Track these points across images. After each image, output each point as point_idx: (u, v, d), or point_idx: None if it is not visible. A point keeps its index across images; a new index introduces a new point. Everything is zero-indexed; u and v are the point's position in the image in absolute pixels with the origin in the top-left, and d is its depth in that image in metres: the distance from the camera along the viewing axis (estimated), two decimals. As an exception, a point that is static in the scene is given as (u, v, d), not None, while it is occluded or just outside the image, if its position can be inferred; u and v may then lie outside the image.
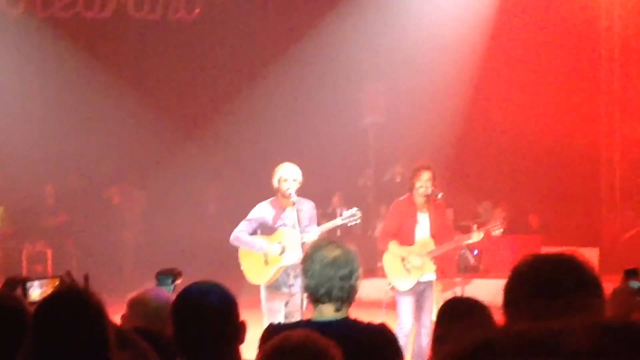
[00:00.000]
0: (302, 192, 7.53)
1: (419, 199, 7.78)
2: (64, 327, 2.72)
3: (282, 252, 7.43)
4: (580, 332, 0.88)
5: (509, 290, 2.29)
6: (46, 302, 2.87)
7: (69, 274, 3.51)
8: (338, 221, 7.67)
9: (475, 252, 12.03)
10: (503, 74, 14.46)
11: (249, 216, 7.59)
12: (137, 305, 3.96)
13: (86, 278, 3.44)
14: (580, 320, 0.90)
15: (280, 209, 7.50)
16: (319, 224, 7.75)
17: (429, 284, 7.84)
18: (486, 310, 3.49)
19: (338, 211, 13.40)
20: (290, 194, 7.34)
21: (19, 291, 3.61)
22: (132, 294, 4.05)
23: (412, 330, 7.74)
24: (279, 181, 7.44)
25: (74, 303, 2.79)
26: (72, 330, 2.71)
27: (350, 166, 14.46)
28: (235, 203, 12.30)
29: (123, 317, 3.95)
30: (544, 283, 2.20)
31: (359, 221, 7.71)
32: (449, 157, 13.98)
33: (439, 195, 7.80)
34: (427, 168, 7.76)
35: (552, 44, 14.17)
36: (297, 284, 7.24)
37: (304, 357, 2.35)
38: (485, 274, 12.03)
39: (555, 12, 14.05)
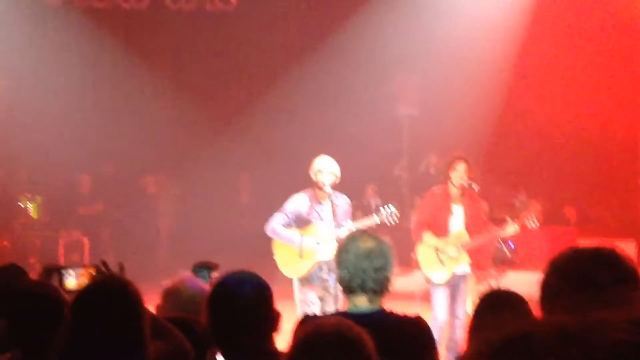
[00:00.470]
0: (336, 183, 7.50)
1: (454, 190, 7.74)
2: (102, 317, 2.73)
3: (317, 246, 7.42)
4: (622, 325, 0.86)
5: (546, 283, 2.27)
6: (86, 291, 2.89)
7: (104, 263, 3.54)
8: (375, 219, 7.60)
9: (511, 244, 11.94)
10: (541, 65, 14.33)
11: (285, 208, 7.56)
12: (171, 296, 3.98)
13: (121, 267, 3.47)
14: (622, 314, 0.89)
15: (316, 201, 7.47)
16: (353, 215, 7.73)
17: (463, 276, 7.80)
18: (525, 303, 3.46)
19: (372, 203, 13.38)
20: (324, 185, 7.32)
21: (55, 280, 3.64)
22: (167, 284, 4.07)
23: (446, 322, 7.71)
24: (315, 173, 7.42)
25: (114, 293, 2.81)
26: (110, 320, 2.73)
27: (384, 157, 14.42)
28: (268, 193, 12.34)
29: (157, 307, 3.97)
30: (582, 276, 2.17)
31: (396, 221, 7.64)
32: (484, 148, 13.88)
33: (475, 188, 7.75)
34: (463, 159, 7.70)
35: (591, 34, 14.01)
36: (331, 279, 7.23)
37: (337, 345, 2.35)
38: (521, 266, 11.94)
39: (597, 3, 13.89)
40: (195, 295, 3.93)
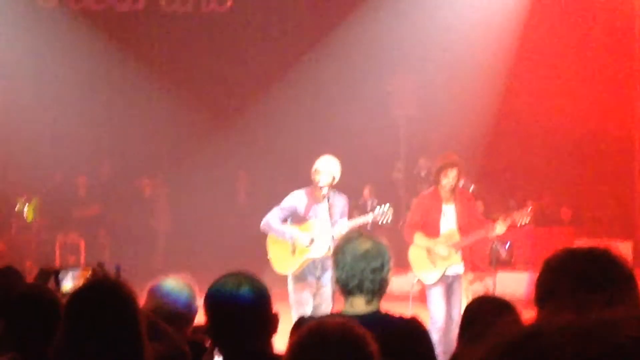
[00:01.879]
0: (334, 183, 7.50)
1: (445, 193, 7.76)
2: (96, 318, 2.72)
3: (311, 243, 7.43)
4: (633, 321, 0.86)
5: (540, 284, 2.27)
6: (78, 293, 2.87)
7: (100, 264, 3.53)
8: (369, 218, 7.63)
9: (507, 244, 11.94)
10: (536, 65, 14.33)
11: (282, 204, 7.59)
12: (151, 291, 3.99)
13: (118, 269, 3.46)
14: (625, 312, 0.89)
15: (314, 200, 7.49)
16: (349, 217, 7.74)
17: (456, 276, 7.79)
18: (514, 309, 3.45)
19: (369, 203, 13.38)
20: (322, 187, 7.33)
21: (51, 282, 3.63)
22: (150, 285, 4.08)
23: (444, 324, 7.69)
24: (314, 172, 7.43)
25: (106, 294, 2.79)
26: (104, 321, 2.71)
27: (381, 159, 14.43)
28: (265, 194, 12.33)
29: (143, 305, 3.98)
30: (576, 277, 2.18)
31: (389, 220, 7.67)
32: (480, 148, 13.90)
33: (471, 188, 7.76)
34: (455, 165, 7.70)
35: (585, 34, 14.02)
36: (324, 277, 7.24)
37: (341, 346, 2.31)
38: (517, 266, 11.95)
39: (591, 4, 13.89)
40: (174, 289, 3.93)
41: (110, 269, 3.55)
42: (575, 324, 0.87)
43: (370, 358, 2.34)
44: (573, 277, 2.18)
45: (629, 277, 2.21)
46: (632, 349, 0.84)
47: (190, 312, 4.02)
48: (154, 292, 4.00)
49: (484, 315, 3.40)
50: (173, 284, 4.05)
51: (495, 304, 3.50)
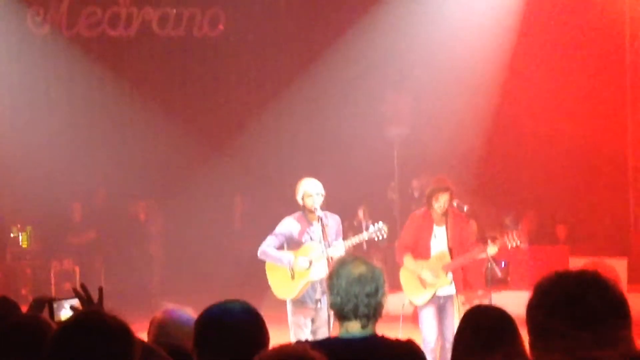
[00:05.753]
0: (327, 205, 7.53)
1: (436, 215, 7.79)
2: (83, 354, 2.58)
3: (309, 266, 7.42)
4: None
5: (532, 309, 2.27)
6: (65, 329, 2.72)
7: (83, 287, 3.46)
8: (364, 236, 7.64)
9: (503, 264, 11.93)
10: (528, 84, 14.37)
11: (276, 230, 7.60)
12: (158, 327, 3.96)
13: (100, 291, 3.41)
14: (613, 352, 0.89)
15: (307, 223, 7.50)
16: (344, 237, 7.74)
17: (449, 297, 7.80)
18: (512, 321, 3.44)
19: (364, 224, 13.36)
20: (316, 209, 7.34)
21: (45, 312, 3.60)
22: (155, 315, 4.05)
23: (437, 345, 7.69)
24: (303, 197, 7.45)
25: (95, 330, 2.63)
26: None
27: (375, 178, 14.41)
28: (261, 218, 12.30)
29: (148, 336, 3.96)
30: (567, 302, 2.16)
31: (385, 235, 7.67)
32: (474, 167, 13.91)
33: (465, 209, 7.78)
34: (446, 190, 7.73)
35: (578, 52, 14.06)
36: (324, 299, 7.23)
37: None
38: (513, 286, 11.94)
39: (581, 18, 13.94)
40: (182, 325, 3.91)
41: (94, 293, 3.49)
42: None
43: None
44: (563, 302, 2.16)
45: (621, 303, 2.18)
46: None
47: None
48: (159, 324, 3.97)
49: (483, 326, 3.39)
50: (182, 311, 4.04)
51: (494, 315, 3.49)
